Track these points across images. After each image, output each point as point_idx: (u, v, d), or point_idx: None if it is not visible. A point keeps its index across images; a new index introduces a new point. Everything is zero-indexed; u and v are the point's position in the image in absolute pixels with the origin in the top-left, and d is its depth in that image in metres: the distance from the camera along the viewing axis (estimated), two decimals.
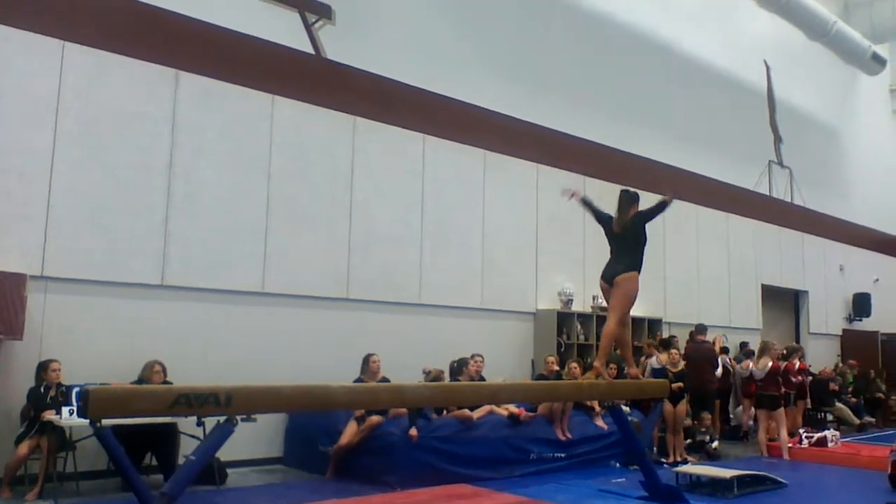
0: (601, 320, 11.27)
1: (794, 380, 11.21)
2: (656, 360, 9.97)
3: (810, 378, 12.83)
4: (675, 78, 13.84)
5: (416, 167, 9.75)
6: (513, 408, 8.23)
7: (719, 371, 11.28)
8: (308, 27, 8.93)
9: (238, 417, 4.23)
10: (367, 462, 7.40)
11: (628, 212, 6.29)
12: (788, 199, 16.57)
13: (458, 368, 8.34)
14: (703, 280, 13.76)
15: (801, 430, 10.80)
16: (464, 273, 10.11)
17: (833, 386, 13.71)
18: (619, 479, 7.83)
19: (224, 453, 5.90)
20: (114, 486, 6.80)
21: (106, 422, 4.13)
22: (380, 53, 9.48)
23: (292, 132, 8.65)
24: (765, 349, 10.51)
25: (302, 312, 8.50)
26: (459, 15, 10.58)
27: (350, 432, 7.45)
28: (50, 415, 6.40)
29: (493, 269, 10.43)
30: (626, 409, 8.54)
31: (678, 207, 13.19)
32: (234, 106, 8.23)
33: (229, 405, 4.14)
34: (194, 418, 4.60)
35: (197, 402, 4.03)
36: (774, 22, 15.64)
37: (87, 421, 3.99)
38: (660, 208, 6.24)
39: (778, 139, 16.51)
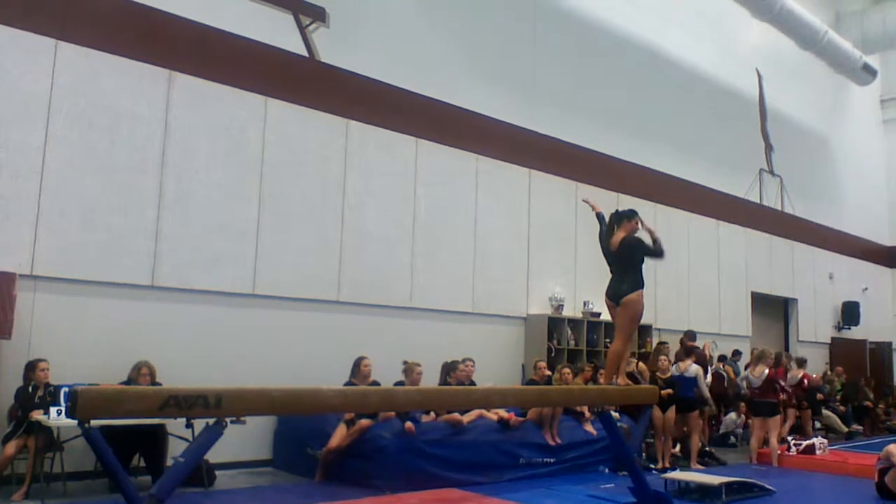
0: (592, 326, 11.39)
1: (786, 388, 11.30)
2: (676, 367, 10.00)
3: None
4: (667, 85, 13.90)
5: (408, 170, 9.76)
6: (503, 412, 8.24)
7: (709, 378, 11.32)
8: (302, 29, 8.93)
9: (227, 419, 4.20)
10: (356, 465, 7.39)
11: (620, 233, 6.33)
12: (779, 208, 16.67)
13: (448, 369, 8.35)
14: (693, 287, 13.82)
15: (789, 438, 10.85)
16: (455, 277, 10.12)
17: (820, 395, 13.75)
18: (608, 485, 7.84)
19: (213, 455, 5.88)
20: (101, 487, 6.77)
21: (94, 422, 4.11)
22: (373, 56, 9.49)
23: (285, 134, 8.64)
24: (761, 357, 10.56)
25: (293, 314, 8.48)
26: (453, 19, 10.60)
27: (339, 435, 7.44)
28: (38, 415, 6.37)
29: (485, 273, 10.45)
30: (615, 414, 8.55)
31: (669, 214, 13.31)
32: (227, 107, 8.22)
33: (219, 407, 4.12)
34: (183, 420, 4.58)
35: (186, 403, 4.00)
36: (766, 31, 15.75)
37: (76, 421, 3.97)
38: (652, 253, 6.40)
39: (769, 147, 16.60)
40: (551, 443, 8.48)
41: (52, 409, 6.33)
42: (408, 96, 9.81)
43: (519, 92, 11.27)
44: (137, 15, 7.70)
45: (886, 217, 20.83)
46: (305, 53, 8.94)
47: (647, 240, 6.42)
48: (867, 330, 18.72)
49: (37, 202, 6.94)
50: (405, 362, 8.00)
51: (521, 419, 8.38)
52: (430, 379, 8.30)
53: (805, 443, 10.46)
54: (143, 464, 7.03)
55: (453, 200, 10.23)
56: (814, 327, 17.56)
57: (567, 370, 8.97)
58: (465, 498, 6.94)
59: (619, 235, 6.33)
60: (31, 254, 6.87)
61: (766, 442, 10.20)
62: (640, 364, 9.98)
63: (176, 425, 6.27)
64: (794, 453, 10.24)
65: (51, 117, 7.07)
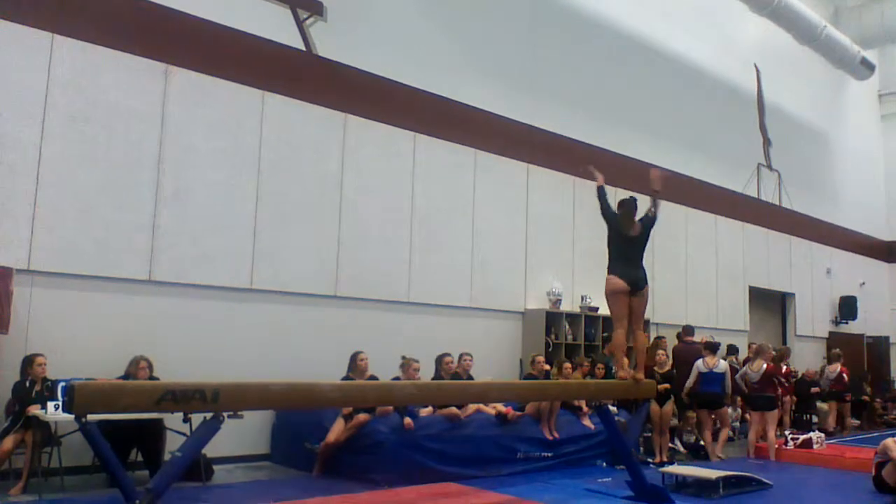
0: (589, 320, 11.39)
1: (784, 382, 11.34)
2: (703, 363, 10.01)
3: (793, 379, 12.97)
4: (666, 80, 13.89)
5: (406, 165, 9.75)
6: (501, 406, 8.25)
7: None
8: (300, 23, 8.91)
9: (224, 414, 4.21)
10: (354, 460, 7.40)
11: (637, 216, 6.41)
12: (777, 202, 16.68)
13: (437, 362, 8.38)
14: (691, 281, 13.83)
15: (787, 432, 10.88)
16: (453, 272, 10.11)
17: (815, 389, 13.79)
18: (606, 479, 7.85)
19: (210, 449, 5.87)
20: (99, 481, 6.76)
21: (91, 417, 4.11)
22: (371, 51, 9.47)
23: (282, 128, 8.62)
24: (760, 351, 10.58)
25: (290, 309, 8.48)
26: (451, 13, 10.57)
27: (337, 430, 7.44)
28: (35, 409, 6.36)
29: (483, 268, 10.44)
30: (613, 409, 8.57)
31: (667, 209, 13.30)
32: (224, 101, 8.19)
33: (216, 402, 4.13)
34: (181, 414, 4.59)
35: (183, 398, 4.01)
36: (765, 26, 15.73)
37: (73, 416, 3.97)
38: (657, 205, 6.44)
39: (767, 142, 16.60)
40: (549, 437, 8.49)
41: (50, 404, 6.32)
42: (406, 91, 9.79)
43: (517, 87, 11.25)
44: (134, 9, 7.68)
45: (884, 212, 20.85)
46: (303, 48, 8.92)
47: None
48: (865, 324, 18.76)
49: (33, 197, 6.92)
50: (403, 357, 7.99)
51: (518, 413, 8.39)
52: (428, 374, 8.29)
53: (802, 437, 10.49)
54: (140, 458, 7.03)
55: (451, 195, 10.22)
56: (811, 322, 17.59)
57: (568, 365, 8.98)
58: (462, 492, 6.95)
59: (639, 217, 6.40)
60: (28, 249, 6.86)
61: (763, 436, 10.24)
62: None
63: (173, 420, 6.26)
64: (792, 447, 10.26)
65: (47, 112, 7.04)
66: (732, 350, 12.79)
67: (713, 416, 10.06)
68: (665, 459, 9.32)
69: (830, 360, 14.19)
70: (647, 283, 6.43)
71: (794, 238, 17.10)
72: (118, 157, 7.44)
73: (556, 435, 8.56)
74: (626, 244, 6.41)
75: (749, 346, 12.84)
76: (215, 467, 7.32)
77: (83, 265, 7.15)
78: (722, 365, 10.05)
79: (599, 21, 12.78)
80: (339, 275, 8.92)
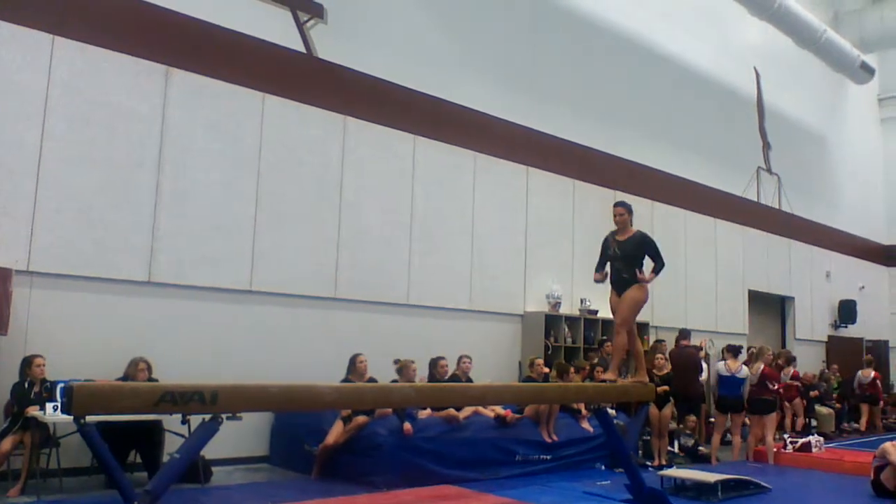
0: (589, 323, 11.39)
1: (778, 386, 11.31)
2: (724, 366, 10.00)
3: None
4: (666, 83, 13.90)
5: (405, 167, 9.75)
6: (499, 409, 8.24)
7: (704, 375, 11.33)
8: (300, 26, 8.92)
9: (223, 416, 4.20)
10: (352, 462, 7.39)
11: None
12: (776, 206, 16.68)
13: (432, 365, 8.36)
14: (690, 285, 13.82)
15: (785, 436, 10.87)
16: (452, 274, 10.11)
17: (814, 393, 13.78)
18: (604, 482, 7.84)
19: (209, 451, 5.87)
20: (97, 483, 6.76)
21: (90, 418, 4.11)
22: (371, 53, 9.48)
23: (282, 130, 8.62)
24: (759, 354, 10.57)
25: (289, 311, 8.48)
26: (451, 16, 10.58)
27: (336, 432, 7.44)
28: (34, 410, 6.36)
29: (482, 270, 10.44)
30: (611, 412, 8.56)
31: (667, 212, 13.33)
32: (225, 103, 8.20)
33: (214, 403, 4.12)
34: (179, 416, 4.58)
35: (182, 399, 4.01)
36: (765, 29, 15.75)
37: (72, 417, 3.97)
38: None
39: (767, 146, 16.61)
40: (548, 440, 8.49)
41: (49, 405, 6.32)
42: (406, 93, 9.80)
43: (517, 89, 11.25)
44: (134, 10, 7.68)
45: (883, 216, 20.86)
46: (303, 50, 8.93)
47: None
48: (864, 328, 18.75)
49: (33, 198, 6.93)
50: (397, 361, 7.92)
51: (517, 416, 8.39)
52: (422, 377, 8.28)
53: (801, 440, 10.48)
54: (139, 460, 7.03)
55: (451, 197, 10.23)
56: (810, 325, 17.58)
57: (573, 372, 8.94)
58: (461, 495, 6.94)
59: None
60: (27, 250, 6.86)
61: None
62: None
63: (172, 421, 6.24)
64: (791, 451, 10.26)
65: (47, 113, 7.05)
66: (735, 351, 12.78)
67: (754, 422, 10.07)
68: (664, 463, 9.31)
69: (864, 365, 14.97)
70: None
71: (794, 242, 17.11)
72: (118, 158, 7.44)
73: (555, 438, 8.56)
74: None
75: (748, 350, 12.83)
76: (214, 469, 7.31)
77: (83, 266, 7.15)
78: (745, 370, 10.03)
79: (600, 24, 12.79)
80: (338, 277, 8.92)
